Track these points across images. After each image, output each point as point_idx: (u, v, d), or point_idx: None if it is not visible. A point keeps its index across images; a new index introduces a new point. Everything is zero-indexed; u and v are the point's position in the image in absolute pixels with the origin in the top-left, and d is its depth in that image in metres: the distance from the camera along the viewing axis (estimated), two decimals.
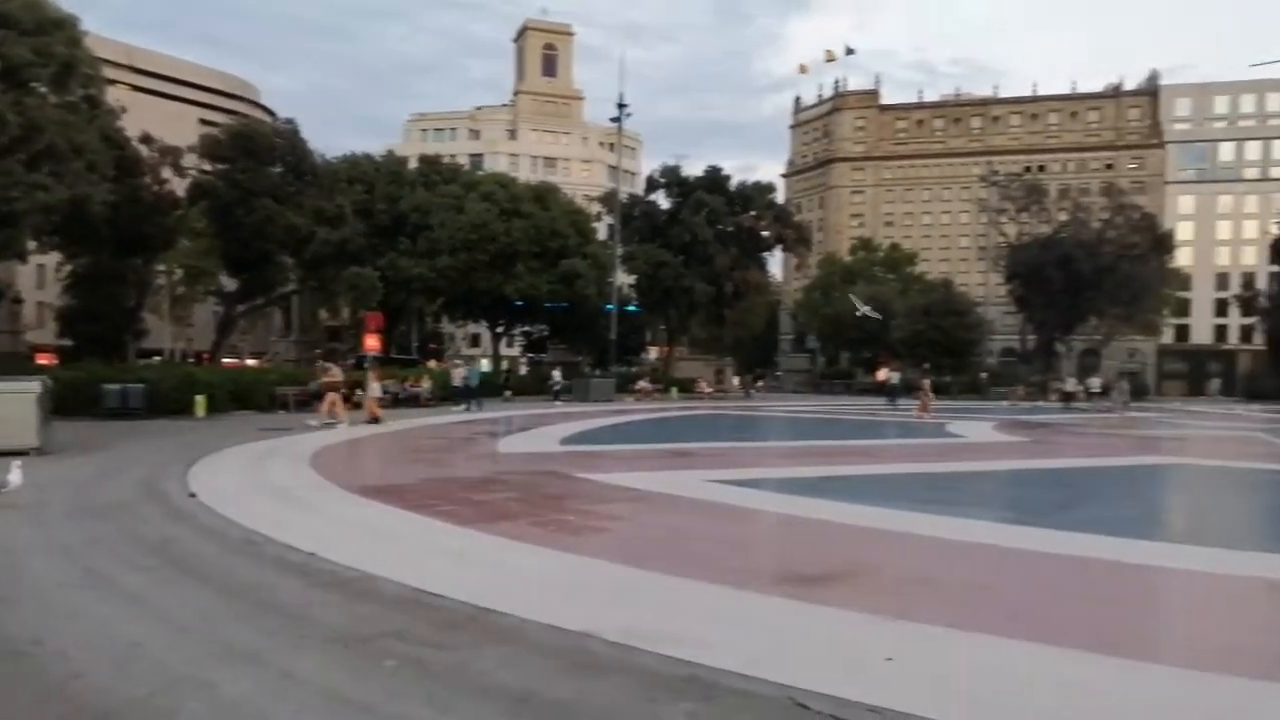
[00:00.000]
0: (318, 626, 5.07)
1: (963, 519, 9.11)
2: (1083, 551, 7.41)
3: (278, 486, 10.63)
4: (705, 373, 55.39)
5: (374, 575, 6.16)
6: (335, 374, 20.93)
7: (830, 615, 5.36)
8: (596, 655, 4.59)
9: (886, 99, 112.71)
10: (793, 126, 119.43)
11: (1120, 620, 5.49)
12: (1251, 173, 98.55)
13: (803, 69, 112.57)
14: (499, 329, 55.61)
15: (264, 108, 64.66)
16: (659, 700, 4.01)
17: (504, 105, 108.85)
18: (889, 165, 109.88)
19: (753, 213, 58.42)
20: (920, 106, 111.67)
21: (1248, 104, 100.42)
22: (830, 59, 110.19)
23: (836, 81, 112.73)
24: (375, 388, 21.72)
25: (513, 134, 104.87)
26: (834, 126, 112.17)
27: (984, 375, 60.16)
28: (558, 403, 35.79)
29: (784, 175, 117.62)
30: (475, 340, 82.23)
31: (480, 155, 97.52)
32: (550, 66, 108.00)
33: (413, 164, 52.81)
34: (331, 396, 19.88)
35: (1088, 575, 6.70)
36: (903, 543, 7.79)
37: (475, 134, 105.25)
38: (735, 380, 57.55)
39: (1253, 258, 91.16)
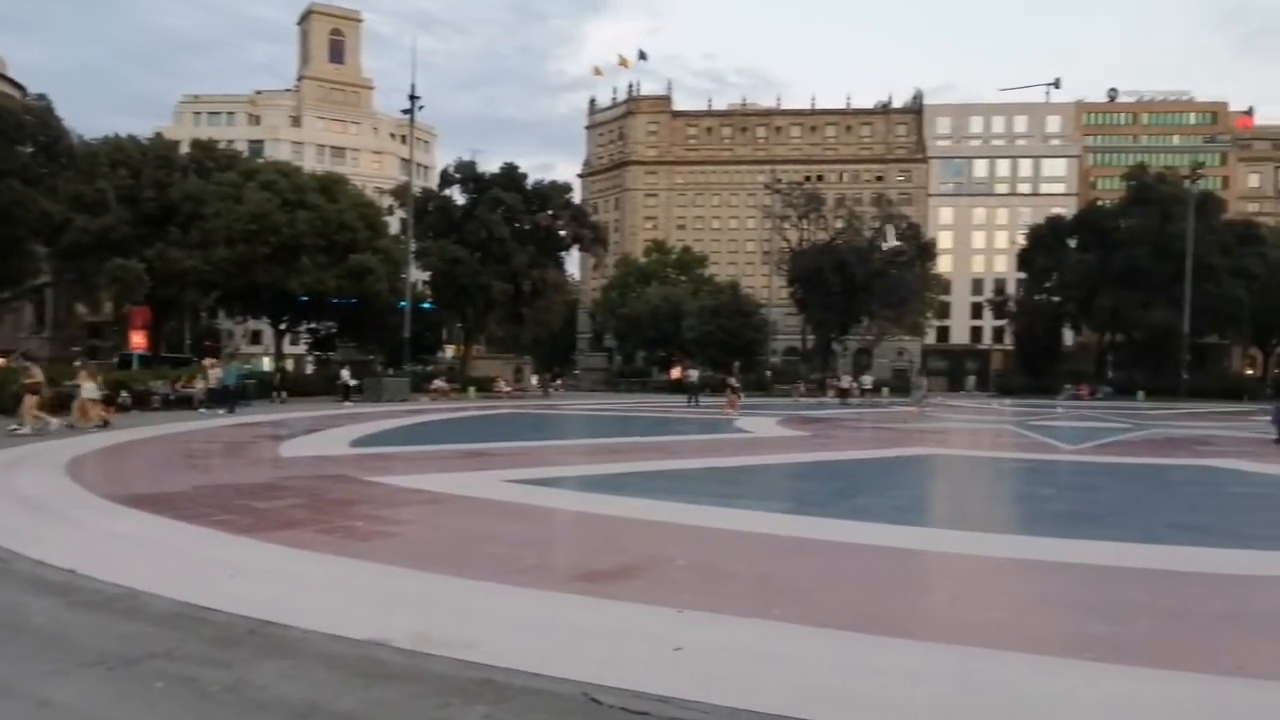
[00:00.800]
0: (78, 650, 4.63)
1: (748, 511, 9.52)
2: (857, 538, 7.92)
3: (28, 497, 9.63)
4: (503, 371, 54.84)
5: (141, 592, 5.69)
6: (35, 374, 19.01)
7: (623, 610, 5.45)
8: (386, 664, 4.45)
9: (678, 105, 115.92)
10: (588, 128, 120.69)
11: (888, 601, 5.89)
12: (1002, 187, 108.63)
13: (597, 72, 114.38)
14: (282, 326, 52.84)
15: (11, 81, 58.33)
16: (453, 705, 3.93)
17: (287, 90, 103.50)
18: (681, 170, 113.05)
19: (550, 212, 58.51)
20: (710, 114, 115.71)
21: (999, 125, 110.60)
22: (623, 64, 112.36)
23: (630, 85, 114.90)
24: (90, 388, 19.75)
25: (297, 121, 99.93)
26: (628, 130, 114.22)
27: (768, 373, 63.02)
28: (347, 403, 34.44)
29: (581, 175, 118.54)
30: (256, 337, 77.82)
31: (261, 142, 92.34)
32: (337, 53, 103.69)
33: (185, 148, 49.19)
34: (30, 399, 18.02)
35: (861, 560, 7.17)
36: (693, 536, 8.04)
37: (255, 119, 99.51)
38: (534, 379, 57.39)
39: (1003, 265, 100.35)
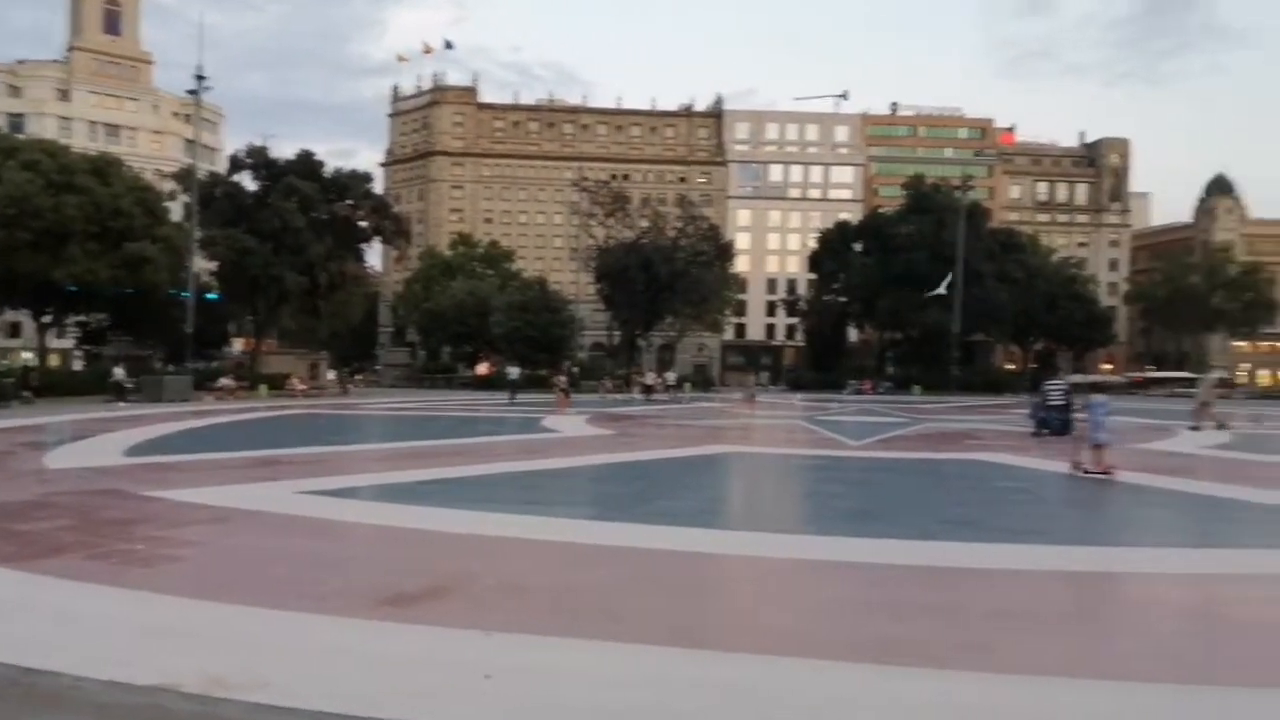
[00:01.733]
0: None
1: (554, 518, 9.57)
2: (657, 544, 8.12)
3: None
4: (298, 368, 52.16)
5: None
6: None
7: (431, 636, 5.33)
8: (173, 713, 4.16)
9: (485, 96, 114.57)
10: (392, 115, 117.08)
11: (687, 611, 6.07)
12: (795, 192, 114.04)
13: (401, 58, 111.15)
14: (45, 318, 48.17)
15: None
16: None
17: (55, 61, 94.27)
18: (487, 163, 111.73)
19: (349, 202, 56.37)
20: (517, 108, 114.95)
21: (792, 132, 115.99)
22: (428, 51, 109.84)
23: (435, 75, 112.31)
24: None
25: (65, 95, 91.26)
26: (433, 120, 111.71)
27: (576, 370, 63.40)
28: (121, 404, 31.86)
29: (383, 164, 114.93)
30: (15, 330, 70.63)
31: (22, 116, 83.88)
32: (113, 22, 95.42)
33: None
34: None
35: (661, 567, 7.34)
36: (499, 549, 7.99)
37: (16, 91, 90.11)
38: (331, 375, 55.02)
39: (795, 266, 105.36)
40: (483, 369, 77.52)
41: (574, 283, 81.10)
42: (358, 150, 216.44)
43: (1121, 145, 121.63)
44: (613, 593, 6.54)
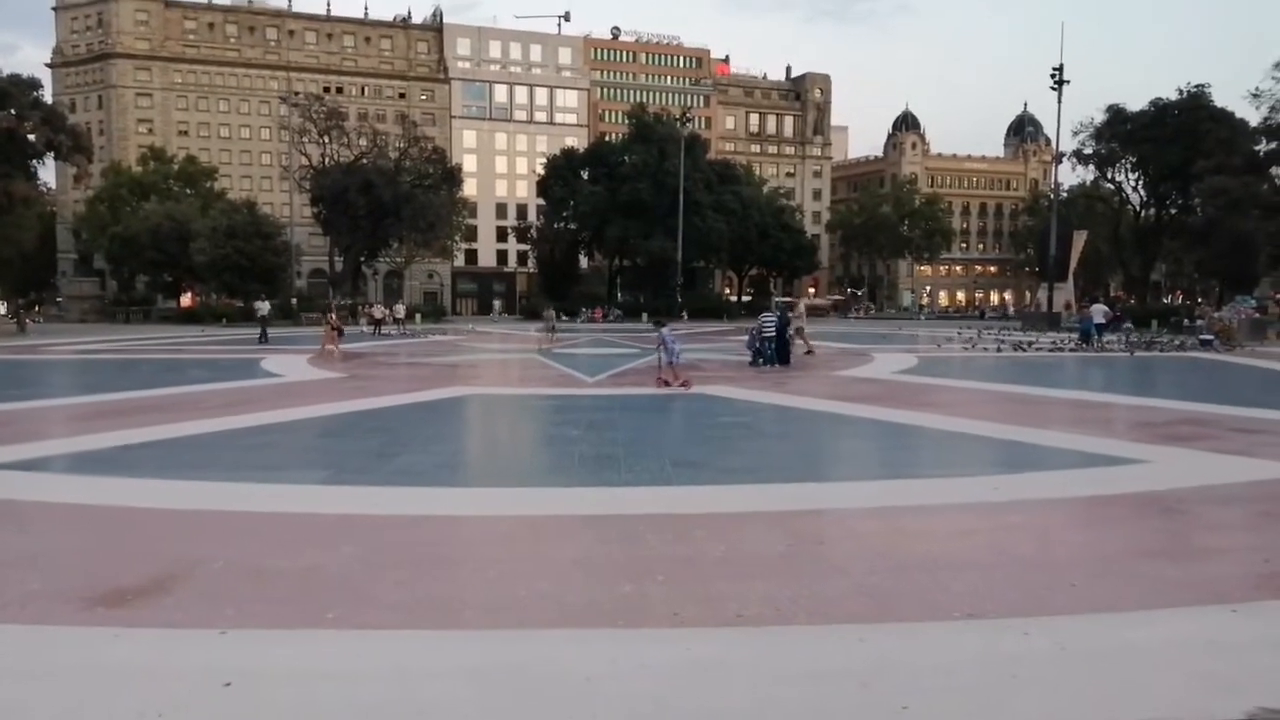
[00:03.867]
0: None
1: (286, 485, 9.09)
2: (402, 508, 7.96)
3: None
4: None
5: None
6: None
7: (158, 639, 4.90)
8: None
9: None
10: (58, 9, 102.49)
11: (441, 584, 6.01)
12: (520, 114, 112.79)
13: None
14: None
15: None
16: None
17: None
18: (179, 68, 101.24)
19: (13, 111, 49.21)
20: (211, 8, 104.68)
21: (515, 51, 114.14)
22: None
23: None
24: None
25: None
26: (111, 17, 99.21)
27: (294, 300, 59.93)
28: None
29: (51, 65, 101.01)
30: None
31: None
32: None
33: None
34: None
35: (409, 536, 7.18)
36: (228, 525, 7.48)
37: None
38: (1, 310, 48.45)
39: (525, 191, 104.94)
40: (186, 300, 71.48)
41: (287, 205, 76.13)
42: (19, 46, 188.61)
43: (823, 80, 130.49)
44: (357, 570, 6.32)
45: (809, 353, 27.34)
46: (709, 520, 7.67)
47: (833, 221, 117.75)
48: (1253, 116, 51.76)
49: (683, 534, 7.23)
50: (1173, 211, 59.54)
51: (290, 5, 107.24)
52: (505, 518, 7.92)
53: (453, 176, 71.36)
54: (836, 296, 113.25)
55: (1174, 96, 57.04)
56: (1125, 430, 13.65)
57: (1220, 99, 56.29)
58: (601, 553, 6.78)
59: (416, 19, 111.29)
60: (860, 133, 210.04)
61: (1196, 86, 56.69)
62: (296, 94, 71.09)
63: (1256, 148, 51.68)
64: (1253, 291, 48.02)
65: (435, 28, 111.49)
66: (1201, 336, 32.78)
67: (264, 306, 39.25)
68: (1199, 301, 53.78)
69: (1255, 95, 49.30)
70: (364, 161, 65.69)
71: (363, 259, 70.18)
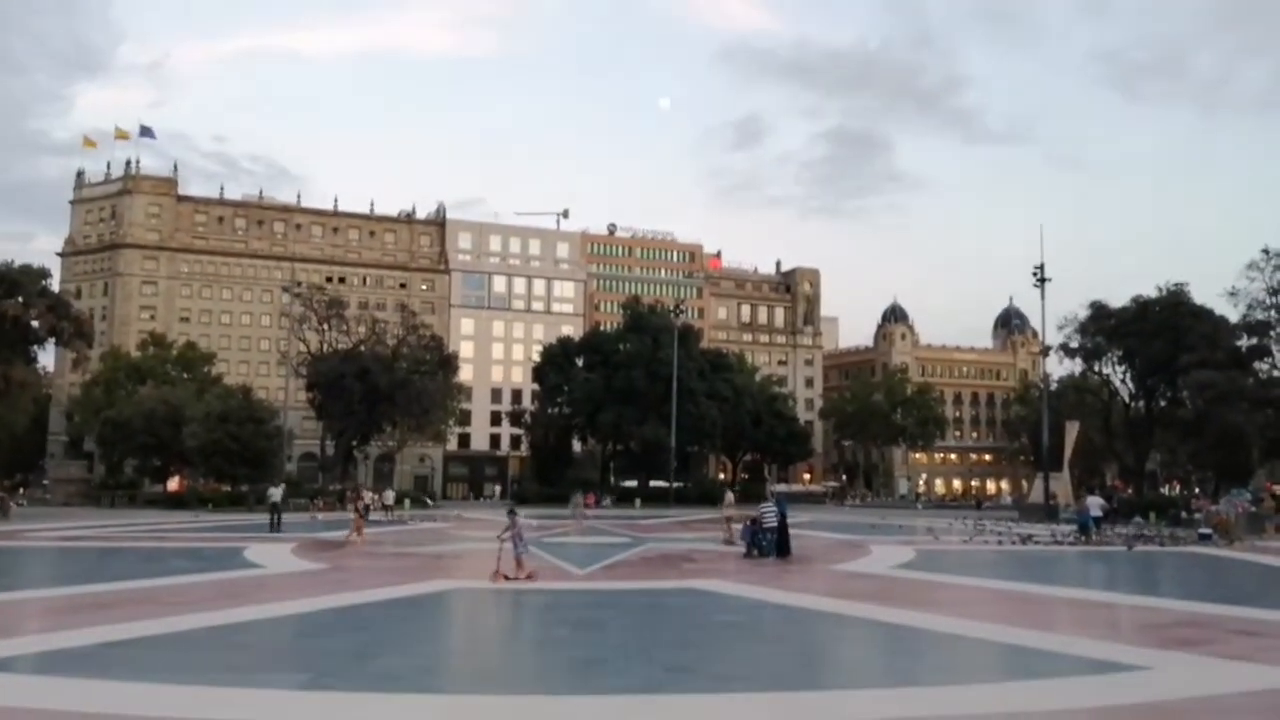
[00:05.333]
0: None
1: (260, 689, 8.70)
2: (389, 718, 7.60)
3: None
4: None
5: None
6: None
7: None
8: None
9: (184, 186, 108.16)
10: (74, 202, 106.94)
11: None
12: (519, 304, 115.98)
13: (88, 142, 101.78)
14: None
15: None
16: None
17: None
18: (186, 258, 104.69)
19: (20, 299, 50.43)
20: (222, 203, 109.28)
21: (515, 245, 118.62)
22: (121, 136, 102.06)
23: (129, 161, 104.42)
24: None
25: None
26: (125, 209, 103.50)
27: (283, 485, 59.36)
28: None
29: (63, 254, 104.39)
30: None
31: None
32: None
33: None
34: None
35: None
36: None
37: None
38: None
39: (520, 376, 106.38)
40: (174, 485, 70.86)
41: (282, 389, 76.75)
42: (34, 235, 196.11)
43: (813, 274, 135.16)
44: None
45: (728, 542, 27.40)
46: None
47: (825, 409, 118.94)
48: (1231, 313, 53.50)
49: None
50: (1162, 404, 60.36)
51: (299, 200, 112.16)
52: None
53: (449, 363, 72.46)
54: (831, 483, 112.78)
55: (1153, 293, 59.02)
56: (1126, 633, 13.28)
57: (1198, 295, 58.35)
58: None
59: (420, 214, 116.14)
60: (850, 323, 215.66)
61: (1176, 284, 58.79)
62: (299, 284, 73.18)
63: (1238, 343, 53.07)
64: (1247, 483, 47.97)
65: (438, 222, 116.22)
66: (1200, 531, 32.46)
67: (276, 492, 36.65)
68: (1195, 494, 53.64)
69: (1232, 293, 51.20)
70: (362, 349, 66.89)
71: (355, 443, 70.19)
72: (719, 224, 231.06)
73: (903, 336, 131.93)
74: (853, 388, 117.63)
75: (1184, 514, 37.52)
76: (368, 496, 45.63)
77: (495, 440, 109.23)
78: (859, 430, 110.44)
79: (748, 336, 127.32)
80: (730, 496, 32.60)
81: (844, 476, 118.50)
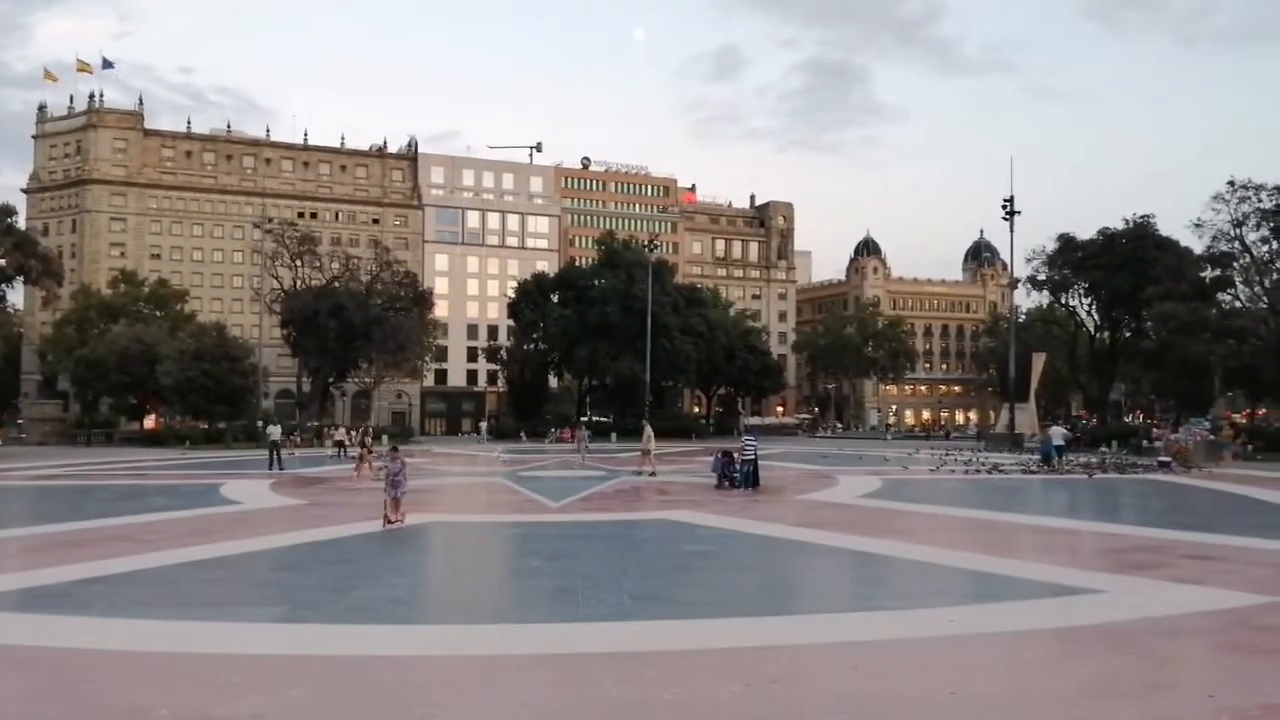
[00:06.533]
0: None
1: (237, 623, 8.93)
2: (361, 649, 7.83)
3: None
4: None
5: None
6: None
7: None
8: None
9: (150, 120, 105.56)
10: (37, 137, 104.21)
11: None
12: (492, 239, 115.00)
13: (49, 76, 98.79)
14: None
15: None
16: None
17: None
18: (154, 194, 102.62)
19: None
20: (189, 137, 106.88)
21: (489, 180, 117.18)
22: (83, 68, 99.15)
23: (92, 95, 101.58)
24: None
25: None
26: (89, 144, 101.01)
27: (260, 423, 59.34)
28: None
29: (27, 190, 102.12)
30: None
31: None
32: None
33: None
34: None
35: (367, 680, 7.01)
36: (173, 669, 7.29)
37: None
38: None
39: (495, 312, 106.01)
40: (150, 423, 70.70)
41: (257, 326, 76.13)
42: None
43: (786, 208, 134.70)
44: (300, 719, 6.21)
45: (652, 474, 28.21)
46: (663, 659, 7.61)
47: (798, 343, 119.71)
48: (1195, 245, 54.04)
49: (635, 675, 7.17)
50: (1127, 335, 61.22)
51: (268, 134, 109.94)
52: (457, 658, 7.80)
53: (424, 299, 72.19)
54: (804, 416, 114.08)
55: (1121, 226, 59.47)
56: (1083, 558, 13.78)
57: (1164, 228, 58.85)
58: (551, 696, 6.71)
59: (393, 148, 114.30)
60: (825, 257, 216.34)
61: (1142, 217, 59.17)
62: (270, 220, 72.14)
63: (1202, 274, 53.69)
64: (1207, 413, 49.04)
65: (410, 157, 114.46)
66: (1160, 459, 33.31)
67: (275, 430, 35.64)
68: (1152, 423, 54.78)
69: (1198, 225, 51.63)
70: (336, 285, 66.40)
71: (331, 380, 70.12)
72: (695, 158, 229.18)
73: (875, 270, 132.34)
74: (825, 321, 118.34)
75: (1145, 443, 38.39)
76: (340, 432, 45.74)
77: (472, 376, 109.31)
78: (831, 363, 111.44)
79: (722, 271, 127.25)
80: (650, 430, 31.48)
81: (816, 409, 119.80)
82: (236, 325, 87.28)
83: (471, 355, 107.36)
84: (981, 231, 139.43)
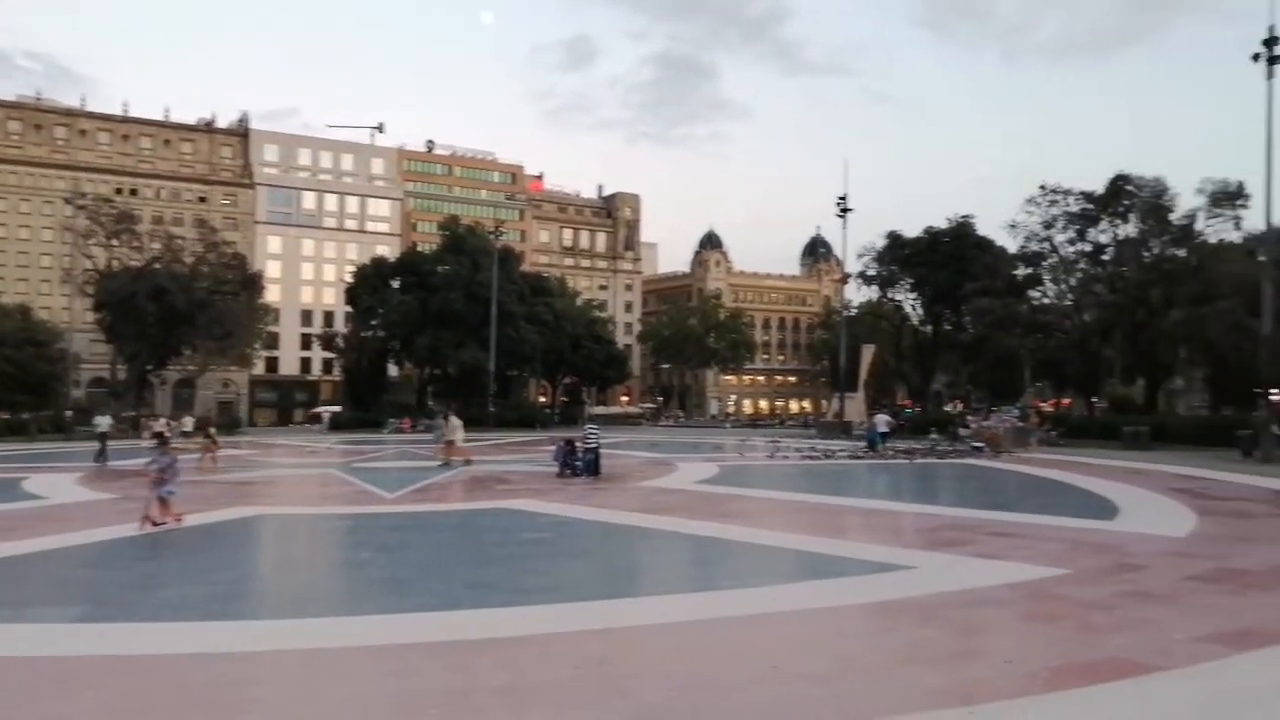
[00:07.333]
0: None
1: (30, 624, 8.30)
2: (171, 648, 7.41)
3: None
4: None
5: None
6: None
7: None
8: None
9: None
10: None
11: None
12: (330, 221, 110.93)
13: None
14: None
15: None
16: None
17: None
18: None
19: None
20: None
21: (327, 160, 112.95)
22: None
23: None
24: None
25: None
26: None
27: (69, 413, 55.16)
28: None
29: None
30: None
31: None
32: None
33: None
34: None
35: (176, 678, 6.65)
36: None
37: None
38: None
39: (332, 298, 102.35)
40: None
41: (67, 310, 70.85)
42: None
43: (634, 199, 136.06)
44: None
45: (467, 463, 28.01)
46: (495, 646, 7.56)
47: (643, 333, 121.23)
48: (1010, 245, 57.92)
49: (465, 663, 7.09)
50: (947, 328, 65.05)
51: (84, 104, 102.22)
52: (279, 653, 7.50)
53: (254, 283, 68.75)
54: (648, 405, 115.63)
55: (944, 225, 63.28)
56: (900, 537, 14.55)
57: (984, 228, 63.04)
58: (378, 688, 6.55)
59: (222, 124, 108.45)
60: (671, 249, 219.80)
61: (963, 217, 63.24)
62: (83, 195, 66.98)
63: (1015, 273, 57.61)
64: (1017, 402, 52.65)
65: (241, 133, 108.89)
66: (973, 444, 35.55)
67: (103, 421, 33.52)
68: (962, 411, 58.43)
69: (1013, 226, 55.31)
70: (156, 266, 62.33)
71: (150, 368, 65.86)
72: (544, 146, 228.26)
73: (717, 263, 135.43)
74: (669, 312, 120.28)
75: (960, 430, 40.90)
76: (160, 423, 43.02)
77: (306, 364, 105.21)
78: (675, 353, 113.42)
79: (569, 260, 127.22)
80: (454, 420, 30.35)
81: (660, 398, 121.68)
82: (44, 308, 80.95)
83: (306, 343, 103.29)
84: (818, 228, 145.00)
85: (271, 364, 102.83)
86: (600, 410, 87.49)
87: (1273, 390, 33.10)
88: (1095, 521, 15.35)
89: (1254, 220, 44.27)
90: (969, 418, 45.92)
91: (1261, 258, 36.75)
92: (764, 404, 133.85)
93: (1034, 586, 9.94)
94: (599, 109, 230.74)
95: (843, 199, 54.48)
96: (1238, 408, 44.59)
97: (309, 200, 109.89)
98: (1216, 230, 48.01)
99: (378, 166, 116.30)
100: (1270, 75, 31.46)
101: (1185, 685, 6.49)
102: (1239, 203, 46.18)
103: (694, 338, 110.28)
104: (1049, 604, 9.13)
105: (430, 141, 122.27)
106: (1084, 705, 6.06)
